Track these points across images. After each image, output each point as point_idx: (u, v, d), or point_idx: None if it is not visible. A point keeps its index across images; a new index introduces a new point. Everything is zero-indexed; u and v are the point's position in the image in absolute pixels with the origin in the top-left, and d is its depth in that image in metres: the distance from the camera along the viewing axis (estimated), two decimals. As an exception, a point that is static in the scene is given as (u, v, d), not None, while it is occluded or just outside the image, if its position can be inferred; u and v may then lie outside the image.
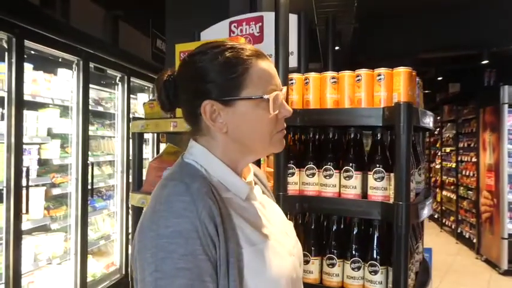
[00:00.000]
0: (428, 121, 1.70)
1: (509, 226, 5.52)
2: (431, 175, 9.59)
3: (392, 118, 1.41)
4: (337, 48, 4.92)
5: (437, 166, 8.91)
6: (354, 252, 1.50)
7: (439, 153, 8.84)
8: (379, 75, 1.51)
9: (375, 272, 1.46)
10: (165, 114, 1.93)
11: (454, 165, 7.74)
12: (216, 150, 0.93)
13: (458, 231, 7.34)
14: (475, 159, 6.56)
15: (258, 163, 1.75)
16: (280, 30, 1.61)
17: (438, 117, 8.97)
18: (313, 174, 1.57)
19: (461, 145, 7.40)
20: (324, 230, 1.59)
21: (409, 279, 1.46)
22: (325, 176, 1.54)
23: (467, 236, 6.94)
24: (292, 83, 1.64)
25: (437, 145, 9.00)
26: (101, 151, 4.26)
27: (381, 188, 1.46)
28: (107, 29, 4.54)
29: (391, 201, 1.42)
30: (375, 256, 1.47)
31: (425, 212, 1.61)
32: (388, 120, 1.44)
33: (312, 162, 1.58)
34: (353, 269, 1.49)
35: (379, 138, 1.51)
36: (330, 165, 1.54)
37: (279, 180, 1.58)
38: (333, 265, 1.52)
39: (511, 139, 5.64)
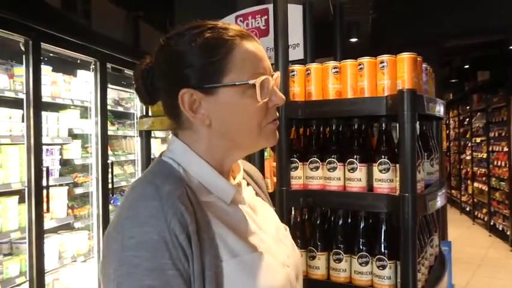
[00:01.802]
0: (439, 109, 1.63)
1: (544, 217, 5.29)
2: (461, 167, 9.30)
3: (395, 107, 1.35)
4: (355, 40, 4.82)
5: (468, 157, 8.63)
6: (361, 246, 1.45)
7: (469, 144, 8.56)
8: (381, 62, 1.45)
9: (383, 267, 1.41)
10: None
11: (485, 155, 7.48)
12: (198, 146, 0.82)
13: (491, 223, 7.09)
14: (507, 149, 6.32)
15: (262, 159, 1.73)
16: (279, 21, 1.58)
17: (467, 107, 8.69)
18: (317, 168, 1.53)
19: (491, 135, 7.13)
20: (329, 224, 1.55)
21: (420, 273, 1.41)
22: (329, 169, 1.50)
23: (500, 228, 6.69)
24: (293, 75, 1.60)
25: (467, 136, 8.72)
26: (122, 150, 4.33)
27: (386, 179, 1.41)
28: (124, 30, 4.60)
29: (397, 193, 1.36)
30: (382, 250, 1.42)
31: (437, 203, 1.54)
32: (391, 109, 1.38)
33: (316, 156, 1.53)
34: (360, 264, 1.45)
35: (383, 128, 1.45)
36: (333, 157, 1.49)
37: (281, 174, 1.55)
38: (340, 260, 1.48)
39: (544, 126, 5.39)
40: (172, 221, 0.69)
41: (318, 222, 1.54)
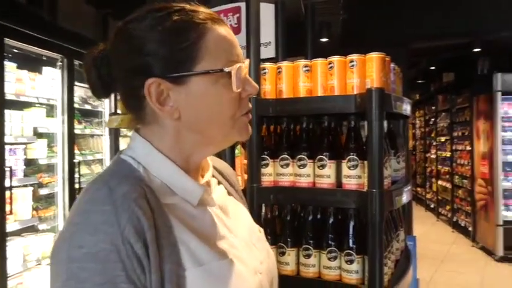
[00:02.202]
0: (405, 108, 1.68)
1: (504, 213, 5.53)
2: (426, 165, 9.58)
3: (364, 105, 1.38)
4: (325, 39, 4.89)
5: (433, 156, 8.90)
6: (329, 242, 1.48)
7: (434, 143, 8.83)
8: (351, 61, 1.49)
9: (351, 261, 1.44)
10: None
11: (449, 154, 7.74)
12: (163, 142, 0.75)
13: (454, 220, 7.34)
14: (469, 148, 6.56)
15: (232, 156, 1.73)
16: (251, 19, 1.58)
17: (433, 107, 8.96)
18: (287, 165, 1.55)
19: (455, 134, 7.39)
20: (299, 220, 1.57)
21: (386, 267, 1.44)
22: (299, 166, 1.52)
23: (463, 225, 6.94)
24: (265, 73, 1.61)
25: (432, 135, 9.00)
26: (89, 150, 4.23)
27: (355, 176, 1.44)
28: (92, 27, 4.51)
29: (365, 189, 1.40)
30: (350, 245, 1.45)
31: (403, 199, 1.59)
32: (360, 107, 1.41)
33: (286, 153, 1.55)
34: (329, 259, 1.47)
35: (352, 125, 1.49)
36: (303, 154, 1.51)
37: (252, 171, 1.56)
38: (309, 256, 1.50)
39: (504, 127, 5.63)
40: (126, 227, 0.62)
41: (288, 218, 1.56)
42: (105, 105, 4.37)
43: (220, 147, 0.82)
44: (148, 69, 0.70)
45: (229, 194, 0.89)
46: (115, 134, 1.95)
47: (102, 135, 4.39)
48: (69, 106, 3.62)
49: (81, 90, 4.16)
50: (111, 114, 1.96)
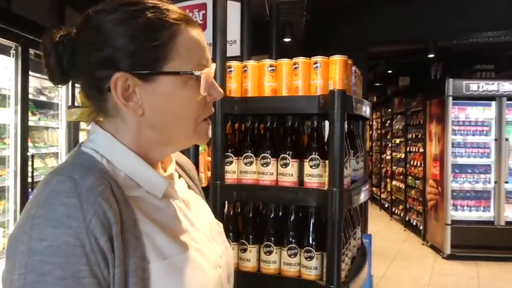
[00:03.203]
0: (365, 109, 1.74)
1: (452, 213, 5.80)
2: (382, 166, 9.91)
3: (326, 106, 1.42)
4: (288, 40, 4.95)
5: (388, 157, 9.22)
6: (290, 239, 1.51)
7: (389, 145, 9.15)
8: (315, 63, 1.52)
9: (311, 258, 1.48)
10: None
11: (403, 155, 8.04)
12: (125, 136, 0.74)
13: (407, 219, 7.64)
14: (422, 150, 6.84)
15: (196, 153, 1.73)
16: (218, 17, 1.59)
17: (389, 110, 9.28)
18: (251, 163, 1.57)
19: (409, 136, 7.68)
20: (261, 218, 1.59)
21: (344, 263, 1.49)
22: (262, 164, 1.54)
23: (414, 224, 7.24)
24: (230, 71, 1.62)
25: (388, 136, 9.31)
26: (43, 143, 4.07)
27: (316, 175, 1.48)
28: (49, 15, 4.33)
29: (326, 187, 1.44)
30: (310, 242, 1.49)
31: (361, 198, 1.64)
32: (323, 108, 1.45)
33: (250, 151, 1.57)
34: (289, 255, 1.51)
35: (315, 126, 1.52)
36: (267, 153, 1.54)
37: (216, 169, 1.56)
38: (270, 252, 1.53)
39: (455, 130, 5.91)
40: (92, 221, 0.61)
41: (250, 215, 1.58)
42: (62, 97, 4.22)
43: (179, 148, 0.83)
44: (115, 62, 0.69)
45: (189, 187, 0.90)
46: (74, 128, 1.89)
47: (57, 128, 4.23)
48: (22, 96, 3.47)
49: (36, 81, 3.99)
50: (69, 107, 1.90)
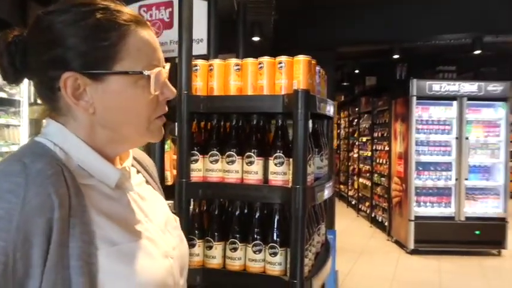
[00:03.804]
0: (329, 109, 1.78)
1: (415, 209, 5.99)
2: (349, 163, 10.11)
3: (291, 105, 1.45)
4: (257, 38, 4.99)
5: (355, 155, 9.41)
6: (255, 235, 1.54)
7: (356, 143, 9.34)
8: (280, 63, 1.55)
9: (275, 254, 1.51)
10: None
11: (369, 153, 8.23)
12: (77, 134, 0.75)
13: (373, 215, 7.83)
14: (388, 148, 7.02)
15: (162, 151, 1.73)
16: (184, 15, 1.59)
17: (356, 109, 9.47)
18: (216, 161, 1.58)
19: (376, 135, 7.87)
20: (227, 215, 1.61)
21: (307, 259, 1.53)
22: (228, 162, 1.56)
23: (380, 220, 7.43)
24: (196, 70, 1.63)
25: (355, 135, 9.50)
26: (4, 140, 3.94)
27: (280, 172, 1.51)
28: (10, 8, 4.19)
29: (290, 185, 1.47)
30: (275, 238, 1.52)
31: (325, 194, 1.69)
32: (287, 107, 1.48)
33: (216, 149, 1.58)
34: (254, 252, 1.53)
35: (280, 124, 1.55)
36: (233, 151, 1.55)
37: (181, 167, 1.57)
38: (235, 249, 1.54)
39: (418, 129, 6.10)
40: (32, 201, 0.62)
41: (216, 213, 1.60)
42: (24, 94, 4.09)
43: (134, 146, 0.85)
44: (66, 62, 0.71)
45: (147, 183, 0.91)
46: (36, 125, 1.85)
47: (19, 125, 4.11)
48: (-18, 93, 3.36)
49: (-4, 77, 3.86)
50: (31, 104, 1.85)
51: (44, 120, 0.78)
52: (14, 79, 0.77)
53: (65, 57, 0.71)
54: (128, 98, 0.74)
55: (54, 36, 0.71)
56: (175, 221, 0.91)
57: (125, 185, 0.80)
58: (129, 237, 0.73)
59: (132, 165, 0.88)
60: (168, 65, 0.80)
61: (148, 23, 0.79)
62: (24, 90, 4.08)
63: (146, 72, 0.73)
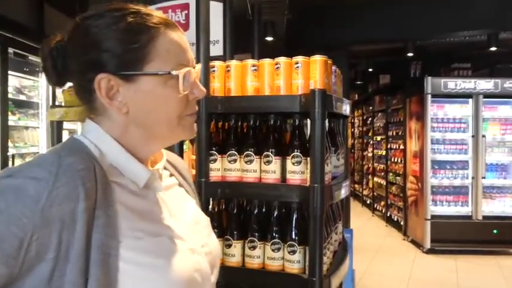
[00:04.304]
0: (345, 108, 1.79)
1: (431, 208, 5.93)
2: (364, 163, 10.06)
3: (308, 104, 1.46)
4: (270, 38, 5.00)
5: (370, 154, 9.35)
6: (274, 234, 1.55)
7: (371, 142, 9.28)
8: (296, 63, 1.56)
9: (293, 252, 1.52)
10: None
11: (384, 152, 8.17)
12: (113, 133, 0.79)
13: (388, 214, 7.77)
14: (403, 147, 6.96)
15: (181, 151, 1.76)
16: (201, 17, 1.61)
17: (370, 108, 9.41)
18: (234, 160, 1.60)
19: (390, 133, 7.81)
20: (245, 214, 1.63)
21: (325, 257, 1.54)
22: (246, 162, 1.58)
23: (395, 219, 7.37)
24: (214, 71, 1.65)
25: (370, 134, 9.44)
26: (23, 142, 4.03)
27: (298, 171, 1.52)
28: (28, 13, 4.27)
29: (308, 184, 1.48)
30: (293, 237, 1.53)
31: (342, 193, 1.69)
32: (304, 106, 1.49)
33: (234, 149, 1.60)
34: (273, 250, 1.55)
35: (297, 124, 1.57)
36: (250, 151, 1.57)
37: (200, 166, 1.59)
38: (254, 247, 1.56)
39: (433, 127, 6.04)
40: (60, 189, 0.66)
41: (235, 212, 1.62)
42: (42, 97, 4.18)
43: (167, 144, 0.87)
44: (101, 64, 0.75)
45: (179, 185, 0.93)
46: (58, 127, 1.90)
47: (38, 127, 4.19)
48: (2, 96, 3.44)
49: (15, 80, 3.94)
50: (52, 106, 1.90)
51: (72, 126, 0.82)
52: (56, 81, 0.82)
53: (100, 59, 0.75)
54: (158, 97, 0.77)
55: (90, 40, 0.75)
56: (206, 221, 0.93)
57: (154, 185, 0.82)
58: (153, 233, 0.75)
59: (166, 169, 0.91)
60: (199, 65, 0.83)
61: (177, 25, 0.82)
62: (43, 93, 4.17)
63: (174, 73, 0.76)
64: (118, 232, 0.70)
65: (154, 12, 0.79)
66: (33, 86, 4.20)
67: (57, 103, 4.43)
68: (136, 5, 0.79)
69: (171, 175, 0.93)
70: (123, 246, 0.70)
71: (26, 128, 4.12)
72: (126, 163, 0.79)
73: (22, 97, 3.96)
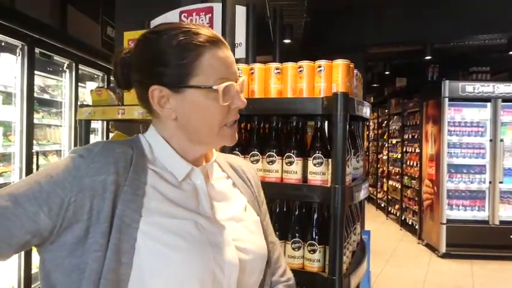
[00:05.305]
0: (366, 111, 1.82)
1: (447, 212, 5.90)
2: (378, 166, 10.01)
3: (330, 107, 1.50)
4: (288, 41, 5.03)
5: (385, 157, 9.31)
6: (294, 233, 1.59)
7: (386, 145, 9.24)
8: (319, 66, 1.60)
9: (314, 251, 1.56)
10: (113, 101, 1.94)
11: (399, 155, 8.13)
12: (164, 134, 0.92)
13: (402, 218, 7.74)
14: (419, 150, 6.93)
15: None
16: (227, 21, 1.66)
17: (386, 110, 9.37)
18: (257, 161, 1.64)
19: (406, 137, 7.77)
20: (267, 213, 1.67)
21: (345, 257, 1.57)
22: (268, 162, 1.62)
23: (410, 223, 7.34)
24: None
25: (385, 137, 9.40)
26: (46, 140, 4.13)
27: (319, 172, 1.56)
28: (54, 14, 4.39)
29: (329, 184, 1.52)
30: (313, 236, 1.57)
31: (361, 195, 1.72)
32: (326, 109, 1.53)
33: (256, 149, 1.65)
34: (293, 248, 1.59)
35: (319, 126, 1.60)
36: (273, 151, 1.62)
37: (224, 166, 1.64)
38: (275, 246, 1.60)
39: (450, 131, 6.00)
40: (96, 163, 0.81)
41: (257, 211, 1.66)
42: (65, 96, 4.28)
43: (211, 148, 0.99)
44: (158, 77, 0.87)
45: (234, 186, 1.02)
46: (86, 126, 1.96)
47: (60, 126, 4.29)
48: (28, 95, 3.53)
49: (39, 79, 4.05)
50: (81, 106, 1.97)
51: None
52: (125, 86, 0.96)
53: (158, 72, 0.87)
54: (201, 107, 0.87)
55: (151, 56, 0.88)
56: (251, 221, 0.98)
57: (193, 179, 0.92)
58: (179, 216, 0.84)
59: (224, 171, 1.03)
60: (242, 78, 0.94)
61: (224, 40, 0.92)
62: (66, 92, 4.27)
63: (215, 87, 0.86)
64: (142, 209, 0.81)
65: (203, 31, 0.88)
66: (56, 85, 4.30)
67: (79, 103, 4.55)
68: (191, 23, 0.91)
69: (228, 177, 1.03)
70: (144, 221, 0.80)
71: (49, 126, 4.23)
72: (169, 158, 0.90)
73: (46, 96, 4.06)
